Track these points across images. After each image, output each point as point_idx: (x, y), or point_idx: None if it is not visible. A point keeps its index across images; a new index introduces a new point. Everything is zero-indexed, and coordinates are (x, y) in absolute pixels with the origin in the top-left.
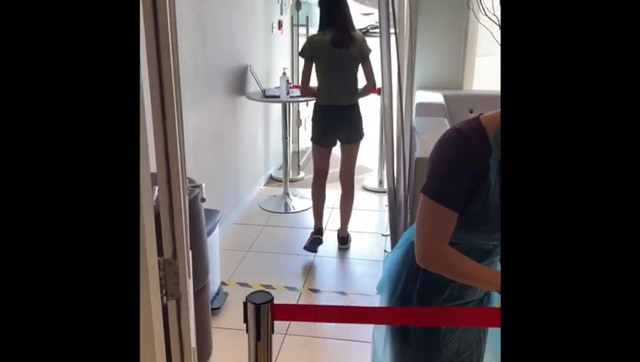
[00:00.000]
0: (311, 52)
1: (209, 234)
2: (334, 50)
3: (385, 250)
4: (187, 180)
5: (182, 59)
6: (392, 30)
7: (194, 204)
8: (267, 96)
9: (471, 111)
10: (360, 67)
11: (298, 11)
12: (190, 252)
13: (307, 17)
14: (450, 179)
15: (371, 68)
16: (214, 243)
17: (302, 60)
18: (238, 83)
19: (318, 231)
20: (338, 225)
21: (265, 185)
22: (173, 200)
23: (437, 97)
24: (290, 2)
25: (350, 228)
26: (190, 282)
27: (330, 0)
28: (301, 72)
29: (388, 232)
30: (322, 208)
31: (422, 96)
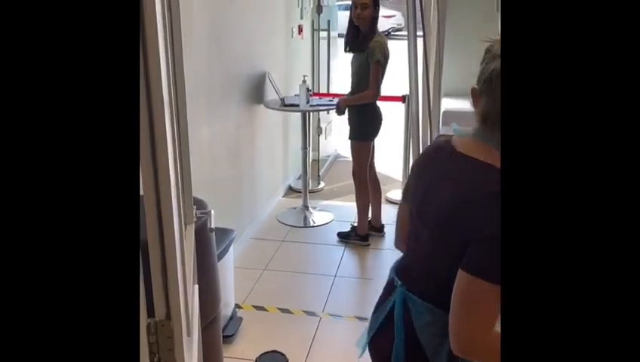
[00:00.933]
0: (383, 54)
1: (222, 255)
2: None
3: None
4: (194, 207)
5: (194, 67)
6: (419, 33)
7: (202, 232)
8: (286, 105)
9: None
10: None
11: (319, 15)
12: (190, 307)
13: (328, 21)
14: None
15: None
16: (228, 264)
17: (322, 66)
18: (256, 91)
19: (366, 237)
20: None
21: (284, 195)
22: (165, 247)
23: (465, 105)
24: (311, 6)
25: (373, 246)
26: (192, 341)
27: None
28: (373, 75)
29: None
30: None
31: (449, 104)
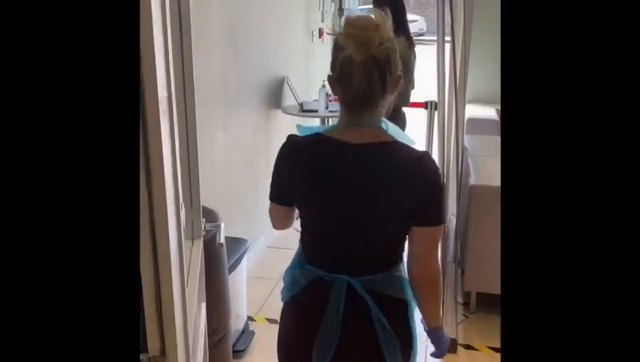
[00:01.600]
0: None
1: (235, 266)
2: (412, 52)
3: None
4: (203, 220)
5: (210, 70)
6: (447, 38)
7: (211, 246)
8: (305, 111)
9: None
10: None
11: (340, 18)
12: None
13: None
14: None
15: None
16: (241, 275)
17: None
18: (274, 96)
19: None
20: None
21: None
22: (160, 273)
23: (489, 112)
24: (332, 9)
25: None
26: None
27: (401, 4)
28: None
29: None
30: None
31: (473, 111)
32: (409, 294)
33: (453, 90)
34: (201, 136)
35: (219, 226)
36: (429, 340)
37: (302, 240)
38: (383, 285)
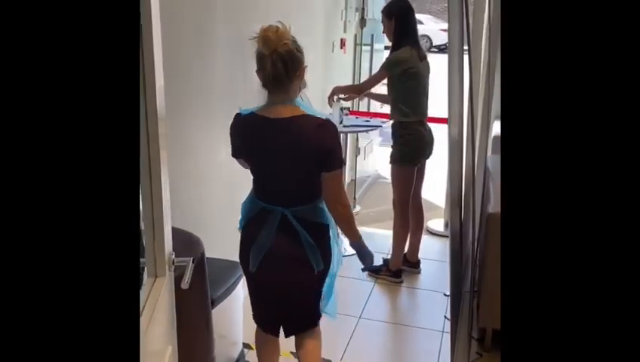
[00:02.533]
0: (403, 69)
1: (230, 290)
2: (423, 63)
3: (445, 316)
4: (172, 254)
5: (216, 82)
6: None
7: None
8: None
9: None
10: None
11: (362, 29)
12: None
13: (372, 35)
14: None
15: None
16: (237, 300)
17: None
18: None
19: (398, 273)
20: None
21: None
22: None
23: None
24: (356, 19)
25: (406, 283)
26: None
27: (409, 11)
28: (375, 76)
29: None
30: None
31: (499, 129)
32: (327, 219)
33: (471, 104)
34: (203, 151)
35: (188, 263)
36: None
37: (252, 183)
38: (306, 213)
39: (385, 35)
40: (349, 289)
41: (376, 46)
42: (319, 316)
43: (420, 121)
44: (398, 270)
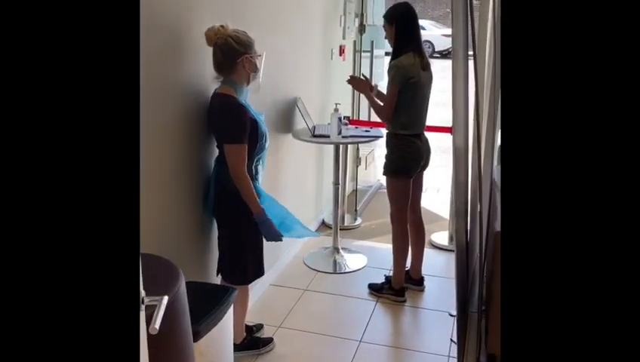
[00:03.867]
0: (406, 78)
1: (219, 318)
2: (425, 73)
3: (451, 339)
4: (143, 293)
5: (205, 92)
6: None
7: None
8: (316, 136)
9: None
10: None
11: (362, 35)
12: None
13: (372, 42)
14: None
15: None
16: (227, 327)
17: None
18: (284, 119)
19: (400, 292)
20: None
21: (315, 232)
22: None
23: None
24: (355, 25)
25: (409, 302)
26: None
27: (411, 17)
28: (387, 97)
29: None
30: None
31: None
32: (234, 187)
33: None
34: (194, 167)
35: (159, 303)
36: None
37: None
38: (223, 176)
39: (387, 41)
40: (349, 309)
41: (376, 52)
42: (234, 278)
43: (416, 133)
44: (401, 288)
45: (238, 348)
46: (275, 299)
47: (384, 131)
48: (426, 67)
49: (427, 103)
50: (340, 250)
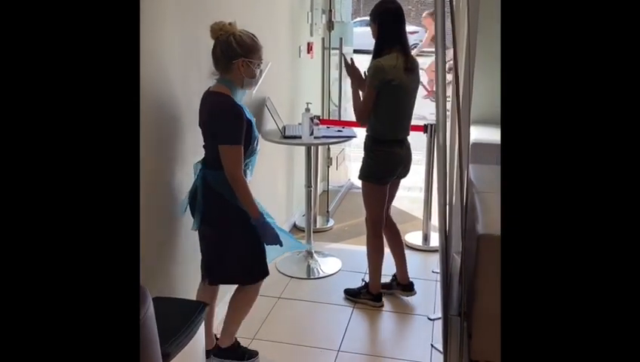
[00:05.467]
0: (384, 79)
1: (189, 338)
2: (409, 76)
3: (432, 345)
4: None
5: (164, 94)
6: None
7: None
8: (287, 137)
9: None
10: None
11: (330, 32)
12: None
13: (341, 39)
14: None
15: None
16: (197, 346)
17: (334, 89)
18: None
19: (378, 297)
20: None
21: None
22: None
23: (496, 135)
24: (323, 22)
25: (386, 306)
26: None
27: (396, 14)
28: (364, 100)
29: (437, 315)
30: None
31: (477, 134)
32: (227, 190)
33: (456, 110)
34: (155, 174)
35: None
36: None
37: None
38: (212, 178)
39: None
40: (325, 317)
41: (345, 50)
42: (215, 277)
43: (396, 139)
44: (378, 293)
45: (222, 353)
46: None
47: (357, 131)
48: (411, 69)
49: (411, 108)
50: (314, 254)
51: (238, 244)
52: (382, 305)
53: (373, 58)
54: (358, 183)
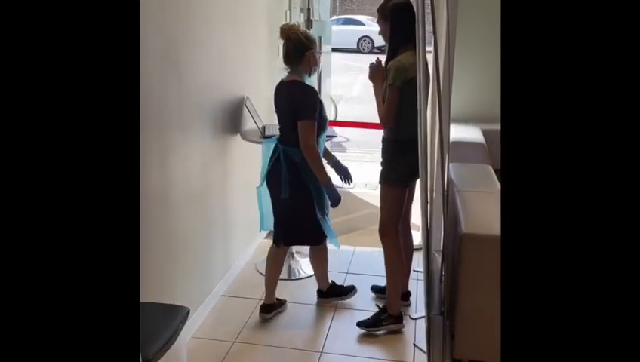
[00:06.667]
0: (405, 80)
1: (170, 343)
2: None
3: (415, 344)
4: None
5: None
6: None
7: None
8: (267, 136)
9: None
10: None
11: (309, 30)
12: None
13: (320, 38)
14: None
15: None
16: (178, 352)
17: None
18: (231, 119)
19: (400, 318)
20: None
21: (267, 236)
22: None
23: (474, 133)
24: (301, 20)
25: (366, 306)
26: None
27: (409, 11)
28: (388, 102)
29: (419, 314)
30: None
31: (456, 132)
32: (302, 162)
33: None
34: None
35: None
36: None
37: None
38: (292, 153)
39: (382, 38)
40: (307, 318)
41: (324, 48)
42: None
43: (414, 139)
44: (400, 314)
45: (325, 295)
46: (229, 312)
47: (336, 130)
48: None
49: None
50: (295, 255)
51: (308, 207)
52: (403, 326)
53: (389, 58)
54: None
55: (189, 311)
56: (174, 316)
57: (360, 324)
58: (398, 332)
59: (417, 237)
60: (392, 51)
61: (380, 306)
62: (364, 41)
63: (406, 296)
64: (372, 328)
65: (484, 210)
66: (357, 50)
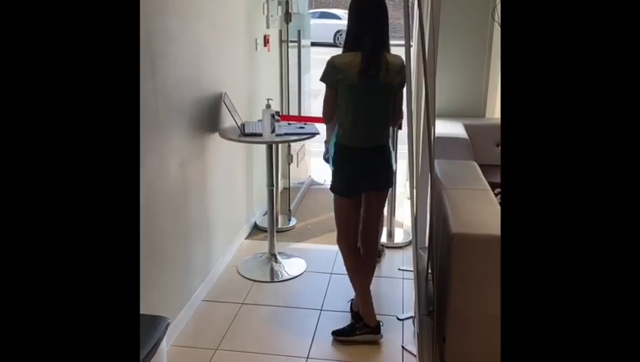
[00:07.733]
0: (335, 77)
1: (150, 356)
2: (363, 77)
3: (403, 346)
4: None
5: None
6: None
7: None
8: (247, 134)
9: (498, 146)
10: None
11: (288, 24)
12: None
13: (299, 31)
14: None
15: (401, 100)
16: (160, 361)
17: (293, 83)
18: (208, 117)
19: (377, 328)
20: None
21: (247, 237)
22: None
23: (458, 128)
24: (280, 14)
25: (345, 306)
26: None
27: (365, 8)
28: (322, 99)
29: (406, 315)
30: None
31: (441, 128)
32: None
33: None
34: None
35: None
36: None
37: None
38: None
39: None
40: (292, 322)
41: (303, 42)
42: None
43: (359, 147)
44: (377, 324)
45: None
46: (210, 317)
47: (319, 127)
48: (367, 71)
49: (379, 114)
50: (277, 256)
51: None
52: (381, 337)
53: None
54: (319, 180)
55: (169, 324)
56: (153, 328)
57: (335, 333)
58: (376, 342)
59: (400, 235)
60: (343, 48)
61: (356, 313)
62: (340, 35)
63: (357, 314)
64: (345, 337)
65: (473, 209)
66: (333, 45)
